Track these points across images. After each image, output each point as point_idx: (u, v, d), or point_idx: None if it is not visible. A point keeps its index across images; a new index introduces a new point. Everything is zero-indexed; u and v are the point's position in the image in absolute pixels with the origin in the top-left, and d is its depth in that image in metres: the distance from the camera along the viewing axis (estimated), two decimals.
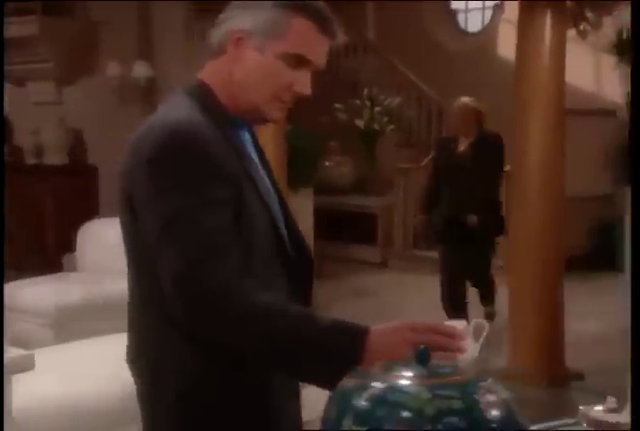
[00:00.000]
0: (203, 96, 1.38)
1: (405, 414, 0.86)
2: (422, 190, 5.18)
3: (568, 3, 6.84)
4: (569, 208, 6.94)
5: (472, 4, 9.53)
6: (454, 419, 0.86)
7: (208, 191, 1.27)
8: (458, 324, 1.24)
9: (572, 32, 7.68)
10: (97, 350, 2.61)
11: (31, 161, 6.58)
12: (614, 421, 1.25)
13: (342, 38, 1.42)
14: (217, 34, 1.39)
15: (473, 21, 9.54)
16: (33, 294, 4.15)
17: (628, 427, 1.25)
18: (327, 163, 8.38)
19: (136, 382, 1.41)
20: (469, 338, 1.22)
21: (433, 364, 0.95)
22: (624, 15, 7.92)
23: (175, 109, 1.35)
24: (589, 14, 7.85)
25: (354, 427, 0.87)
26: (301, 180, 5.96)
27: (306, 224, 6.06)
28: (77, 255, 4.57)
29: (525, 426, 0.91)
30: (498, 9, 8.86)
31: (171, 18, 6.40)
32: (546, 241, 4.21)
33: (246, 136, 1.44)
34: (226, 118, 1.37)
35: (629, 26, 7.68)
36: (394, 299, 4.81)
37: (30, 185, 6.03)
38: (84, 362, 2.48)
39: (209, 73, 1.41)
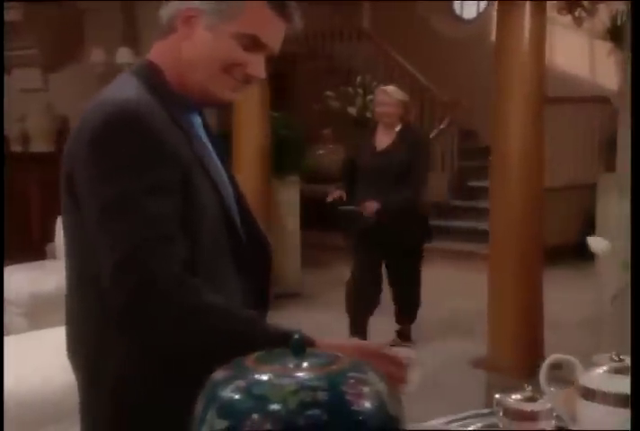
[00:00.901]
0: (151, 76, 1.33)
1: (269, 407, 0.83)
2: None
3: None
4: (559, 197, 6.95)
5: None
6: (317, 412, 0.82)
7: (153, 174, 1.20)
8: (405, 352, 1.20)
9: (567, 19, 7.64)
10: (55, 340, 2.58)
11: (17, 148, 6.56)
12: (529, 410, 1.22)
13: (300, 23, 1.38)
14: (166, 13, 1.34)
15: (468, 8, 9.46)
16: (10, 282, 4.14)
17: (544, 416, 1.22)
18: (320, 152, 8.33)
19: (76, 376, 1.37)
20: (416, 367, 1.18)
21: (309, 354, 0.92)
22: (618, 2, 7.85)
23: (122, 89, 1.29)
24: (584, 1, 7.81)
25: (217, 420, 0.84)
26: (287, 168, 5.93)
27: (292, 212, 6.03)
28: (57, 243, 4.55)
29: (400, 419, 0.88)
30: None
31: (155, 5, 6.35)
32: (527, 231, 4.16)
33: (197, 119, 1.39)
34: (174, 99, 1.32)
35: (624, 12, 7.60)
36: (386, 288, 4.80)
37: (15, 172, 6.01)
38: (37, 352, 2.46)
39: (158, 53, 1.35)
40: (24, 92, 6.73)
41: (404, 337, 4.74)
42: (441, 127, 7.96)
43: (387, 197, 4.27)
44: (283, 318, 5.34)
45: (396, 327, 4.78)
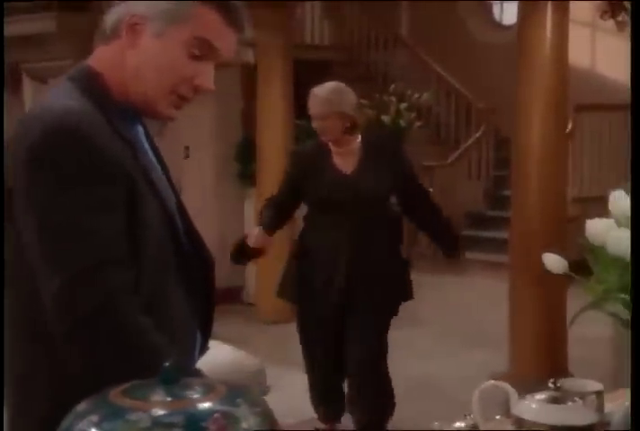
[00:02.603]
0: (91, 83, 1.27)
1: None
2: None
3: None
4: (586, 208, 6.73)
5: None
6: None
7: (96, 193, 1.15)
8: None
9: (609, 24, 7.43)
10: None
11: None
12: None
13: (249, 32, 1.32)
14: (110, 18, 1.28)
15: (508, 14, 9.28)
16: None
17: None
18: None
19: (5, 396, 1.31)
20: None
21: (183, 384, 0.85)
22: None
23: (61, 96, 1.23)
24: (627, 4, 7.57)
25: None
26: None
27: None
28: None
29: None
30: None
31: None
32: (549, 241, 4.02)
33: (139, 129, 1.34)
34: (115, 107, 1.26)
35: None
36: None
37: None
38: None
39: (99, 58, 1.30)
40: None
41: None
42: (477, 134, 7.81)
43: (369, 246, 3.00)
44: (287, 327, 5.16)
45: None
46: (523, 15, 4.06)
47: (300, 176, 3.08)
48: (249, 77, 5.88)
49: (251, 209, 5.70)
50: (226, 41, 1.28)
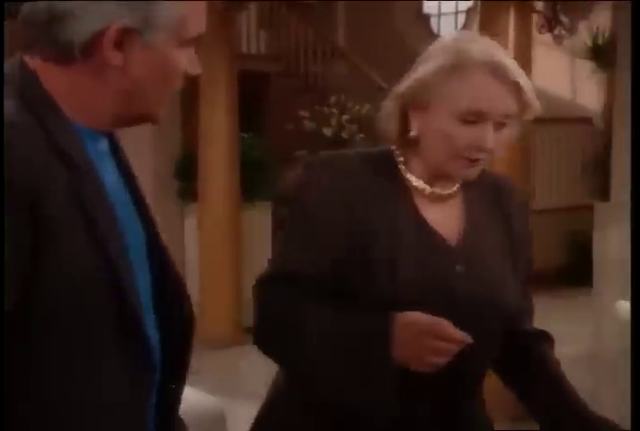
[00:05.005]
0: (31, 90, 0.99)
1: None
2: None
3: (541, 5, 6.56)
4: (542, 221, 6.69)
5: (445, 8, 9.25)
6: None
7: None
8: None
9: (547, 37, 7.43)
10: None
11: None
12: None
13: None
14: (70, 32, 0.98)
15: (445, 26, 9.26)
16: None
17: None
18: (295, 174, 8.05)
19: None
20: None
21: None
22: (599, 19, 7.67)
23: None
24: (563, 18, 7.61)
25: None
26: (258, 192, 5.62)
27: (263, 239, 5.71)
28: None
29: None
30: (471, 13, 8.58)
31: None
32: None
33: (100, 146, 1.07)
34: (63, 124, 1.00)
35: (605, 31, 7.42)
36: None
37: None
38: None
39: (52, 79, 1.00)
40: None
41: None
42: None
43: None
44: (250, 354, 5.01)
45: None
46: (482, 30, 3.93)
47: (356, 233, 1.30)
48: (188, 88, 5.61)
49: (192, 227, 5.42)
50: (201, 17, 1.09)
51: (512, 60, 1.32)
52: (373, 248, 1.27)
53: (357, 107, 7.83)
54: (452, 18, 9.22)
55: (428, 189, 1.35)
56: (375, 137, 6.44)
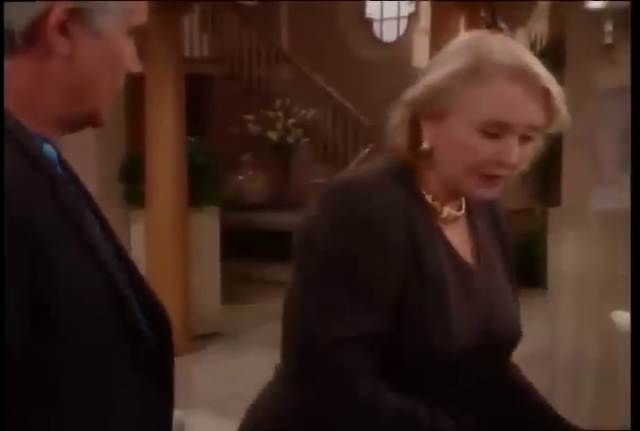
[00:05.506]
0: None
1: None
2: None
3: (481, 13, 6.67)
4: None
5: (387, 13, 9.31)
6: None
7: None
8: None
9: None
10: None
11: None
12: None
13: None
14: (19, 19, 0.88)
15: (388, 31, 9.32)
16: None
17: None
18: (240, 178, 7.98)
19: None
20: None
21: None
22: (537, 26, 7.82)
23: None
24: (502, 25, 7.76)
25: None
26: (205, 196, 5.54)
27: (211, 244, 5.64)
28: None
29: None
30: (413, 18, 8.66)
31: None
32: None
33: (53, 153, 0.97)
34: (23, 128, 0.91)
35: (543, 37, 7.57)
36: None
37: None
38: None
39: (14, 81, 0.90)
40: None
41: None
42: (365, 152, 7.73)
43: None
44: (202, 361, 4.94)
45: None
46: (433, 35, 3.95)
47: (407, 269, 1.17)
48: (133, 90, 5.49)
49: (139, 233, 5.31)
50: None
51: (539, 63, 1.14)
52: (425, 293, 1.15)
53: (302, 111, 7.82)
54: (395, 23, 9.30)
55: (446, 210, 1.22)
56: (318, 142, 6.47)
